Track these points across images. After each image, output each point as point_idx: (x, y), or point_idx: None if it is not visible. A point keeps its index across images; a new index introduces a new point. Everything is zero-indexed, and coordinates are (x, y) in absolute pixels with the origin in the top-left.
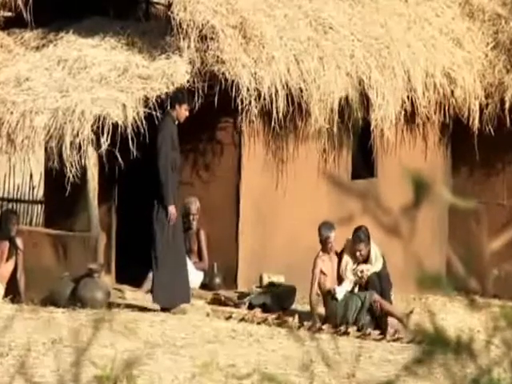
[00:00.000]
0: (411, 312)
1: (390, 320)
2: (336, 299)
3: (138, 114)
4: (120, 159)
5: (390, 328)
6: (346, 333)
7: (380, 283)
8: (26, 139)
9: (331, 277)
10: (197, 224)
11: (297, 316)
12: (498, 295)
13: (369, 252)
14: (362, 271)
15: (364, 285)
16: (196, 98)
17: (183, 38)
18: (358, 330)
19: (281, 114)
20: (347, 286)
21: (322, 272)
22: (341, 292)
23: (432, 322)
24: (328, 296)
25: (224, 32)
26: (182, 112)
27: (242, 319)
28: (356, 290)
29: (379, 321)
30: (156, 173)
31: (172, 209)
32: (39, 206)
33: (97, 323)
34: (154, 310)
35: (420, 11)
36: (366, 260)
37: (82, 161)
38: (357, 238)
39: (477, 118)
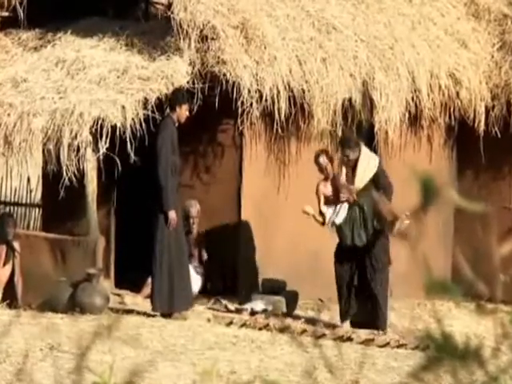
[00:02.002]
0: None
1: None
2: (335, 224)
3: (137, 115)
4: (119, 162)
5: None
6: (350, 339)
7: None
8: (24, 142)
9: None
10: (197, 227)
11: (300, 322)
12: (506, 301)
13: (357, 159)
14: (348, 191)
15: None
16: (196, 99)
17: (183, 39)
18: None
19: (283, 116)
20: (341, 210)
21: (325, 196)
22: (337, 218)
23: (438, 327)
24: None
25: (225, 32)
26: (183, 112)
27: (244, 325)
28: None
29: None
30: (156, 176)
31: (172, 214)
32: (37, 209)
33: (99, 330)
34: (154, 316)
35: (425, 11)
36: (355, 167)
37: (81, 163)
38: (341, 144)
39: (483, 120)
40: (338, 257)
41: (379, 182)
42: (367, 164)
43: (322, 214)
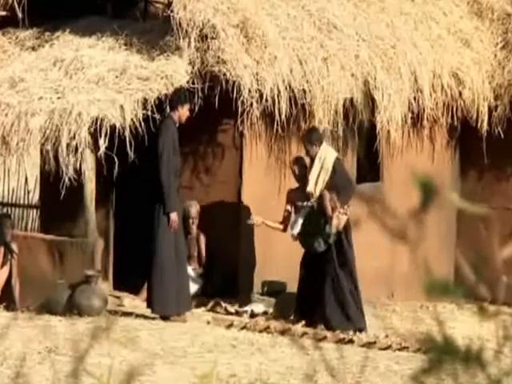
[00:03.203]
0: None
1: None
2: (294, 236)
3: (136, 115)
4: (118, 162)
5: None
6: (351, 341)
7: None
8: (22, 142)
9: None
10: (197, 229)
11: (300, 324)
12: (508, 303)
13: (316, 154)
14: (309, 194)
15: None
16: (196, 99)
17: (183, 38)
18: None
19: (283, 116)
20: (298, 220)
21: (293, 203)
22: (294, 229)
23: (440, 330)
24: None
25: (225, 31)
26: (184, 112)
27: (244, 327)
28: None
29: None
30: (158, 178)
31: (173, 216)
32: (35, 210)
33: (95, 332)
34: (153, 318)
35: (427, 10)
36: (313, 160)
37: (79, 164)
38: (302, 139)
39: (486, 120)
40: (303, 260)
41: (336, 181)
42: (323, 161)
43: (284, 219)
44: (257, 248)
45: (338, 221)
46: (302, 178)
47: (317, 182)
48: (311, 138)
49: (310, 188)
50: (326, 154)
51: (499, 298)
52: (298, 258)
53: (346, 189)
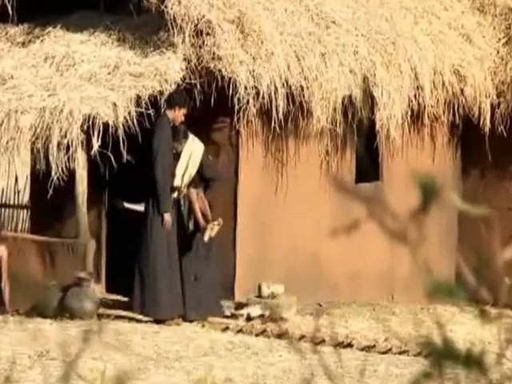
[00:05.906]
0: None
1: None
2: None
3: (129, 113)
4: (111, 161)
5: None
6: (350, 345)
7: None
8: (11, 140)
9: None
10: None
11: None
12: (511, 305)
13: (183, 149)
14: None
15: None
16: (193, 98)
17: (177, 34)
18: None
19: (281, 114)
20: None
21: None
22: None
23: (441, 333)
24: None
25: (220, 27)
26: (179, 115)
27: (240, 331)
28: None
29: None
30: (153, 178)
31: (167, 216)
32: (25, 210)
33: (87, 335)
34: (146, 322)
35: (428, 5)
36: (179, 156)
37: (71, 163)
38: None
39: (488, 118)
40: None
41: (204, 173)
42: (190, 155)
43: None
44: (254, 249)
45: (211, 232)
46: None
47: (183, 176)
48: (178, 136)
49: (176, 183)
50: (194, 148)
51: (501, 300)
52: (296, 258)
53: (214, 181)
